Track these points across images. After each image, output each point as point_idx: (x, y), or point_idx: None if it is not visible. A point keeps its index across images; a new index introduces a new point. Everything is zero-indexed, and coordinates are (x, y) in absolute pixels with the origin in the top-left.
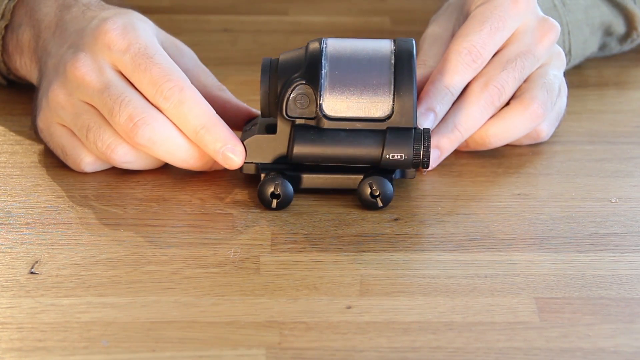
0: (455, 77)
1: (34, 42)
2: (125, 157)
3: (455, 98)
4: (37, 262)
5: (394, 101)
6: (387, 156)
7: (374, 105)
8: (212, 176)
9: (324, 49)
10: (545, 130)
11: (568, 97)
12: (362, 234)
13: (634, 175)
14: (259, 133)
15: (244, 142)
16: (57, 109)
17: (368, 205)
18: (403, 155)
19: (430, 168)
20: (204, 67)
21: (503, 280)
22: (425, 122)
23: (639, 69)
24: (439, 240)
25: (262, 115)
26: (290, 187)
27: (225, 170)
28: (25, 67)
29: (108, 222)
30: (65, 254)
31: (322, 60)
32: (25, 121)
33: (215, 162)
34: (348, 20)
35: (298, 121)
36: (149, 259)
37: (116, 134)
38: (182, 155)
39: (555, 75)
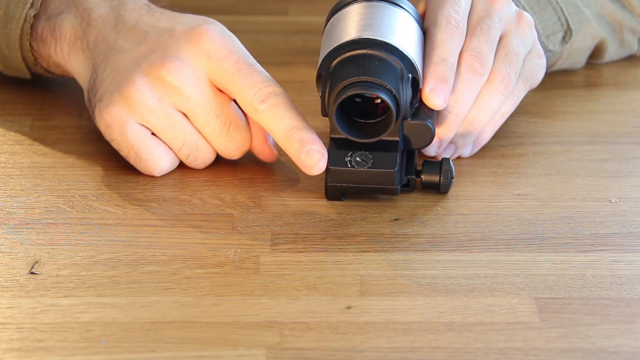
0: (447, 47)
1: (81, 31)
2: (209, 162)
3: (455, 68)
4: (37, 262)
5: None
6: None
7: None
8: (212, 176)
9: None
10: (516, 94)
11: (568, 96)
12: (362, 234)
13: (634, 175)
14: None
15: (394, 171)
16: (141, 109)
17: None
18: None
19: (433, 153)
20: None
21: (503, 280)
22: (441, 94)
23: (638, 69)
24: (439, 240)
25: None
26: None
27: (225, 170)
28: (61, 53)
29: (108, 222)
30: (65, 254)
31: (397, 45)
32: (25, 121)
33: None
34: None
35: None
36: (149, 259)
37: (210, 150)
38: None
39: (518, 43)
